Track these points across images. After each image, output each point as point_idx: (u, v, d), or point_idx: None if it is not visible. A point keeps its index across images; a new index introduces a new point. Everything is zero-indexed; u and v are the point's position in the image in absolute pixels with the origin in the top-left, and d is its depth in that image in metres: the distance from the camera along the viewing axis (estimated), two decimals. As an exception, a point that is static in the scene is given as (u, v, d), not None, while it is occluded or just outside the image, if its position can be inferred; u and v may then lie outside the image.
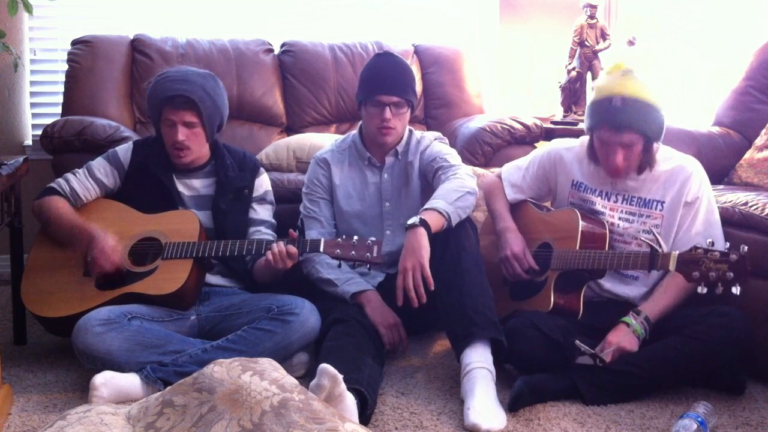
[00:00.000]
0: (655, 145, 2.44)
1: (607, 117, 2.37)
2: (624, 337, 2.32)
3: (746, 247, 2.14)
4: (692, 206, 2.46)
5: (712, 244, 2.20)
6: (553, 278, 2.48)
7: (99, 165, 2.66)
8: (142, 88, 3.33)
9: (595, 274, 2.45)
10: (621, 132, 2.36)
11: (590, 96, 2.54)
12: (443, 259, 2.40)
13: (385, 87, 2.61)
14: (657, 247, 2.27)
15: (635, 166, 2.45)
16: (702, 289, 2.17)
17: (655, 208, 2.48)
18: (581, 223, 2.46)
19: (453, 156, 2.69)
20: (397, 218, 2.72)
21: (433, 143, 2.74)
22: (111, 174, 2.65)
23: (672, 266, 2.23)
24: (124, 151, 2.68)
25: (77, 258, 2.53)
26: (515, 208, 2.70)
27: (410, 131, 2.78)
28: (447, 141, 2.82)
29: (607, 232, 2.48)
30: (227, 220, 2.62)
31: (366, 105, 2.65)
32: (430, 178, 2.69)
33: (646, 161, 2.44)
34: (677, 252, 2.24)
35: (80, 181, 2.63)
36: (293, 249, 2.40)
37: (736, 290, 2.13)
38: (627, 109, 2.35)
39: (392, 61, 2.71)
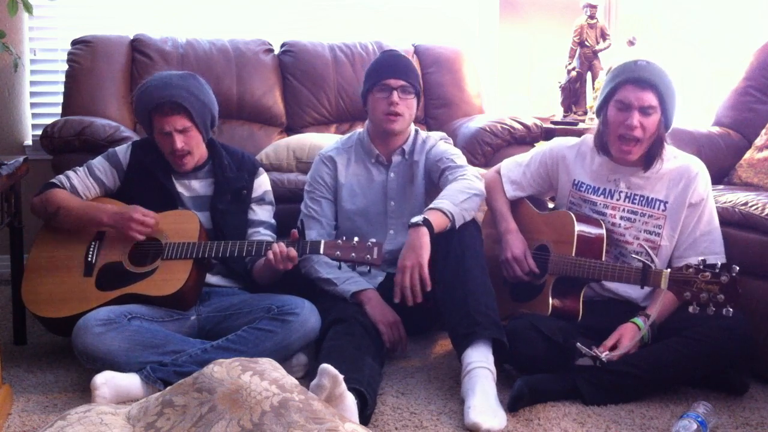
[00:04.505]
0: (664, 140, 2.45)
1: (632, 74, 2.40)
2: (633, 342, 2.32)
3: (737, 268, 2.14)
4: (697, 207, 2.46)
5: (704, 261, 2.20)
6: (551, 283, 2.48)
7: (99, 164, 2.66)
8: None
9: (593, 279, 2.45)
10: (644, 90, 2.38)
11: (600, 87, 2.57)
12: (447, 259, 2.40)
13: (391, 72, 2.64)
14: (649, 263, 2.27)
15: (647, 145, 2.43)
16: (694, 309, 2.17)
17: (658, 208, 2.48)
18: (577, 227, 2.46)
19: (459, 156, 2.69)
20: (400, 217, 2.72)
21: (439, 143, 2.75)
22: (110, 173, 2.65)
23: (663, 285, 2.24)
24: (123, 151, 2.68)
25: (77, 258, 2.53)
26: (513, 206, 2.69)
27: (416, 131, 2.79)
28: (452, 141, 2.83)
29: (604, 233, 2.48)
30: (225, 221, 2.62)
31: (373, 91, 2.66)
32: (435, 178, 2.69)
33: (656, 149, 2.43)
34: (669, 270, 2.25)
35: (80, 179, 2.63)
36: (293, 251, 2.40)
37: (727, 312, 2.13)
38: (651, 69, 2.41)
39: (397, 53, 2.80)
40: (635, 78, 2.39)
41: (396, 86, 2.62)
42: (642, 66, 2.41)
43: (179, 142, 2.52)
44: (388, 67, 2.66)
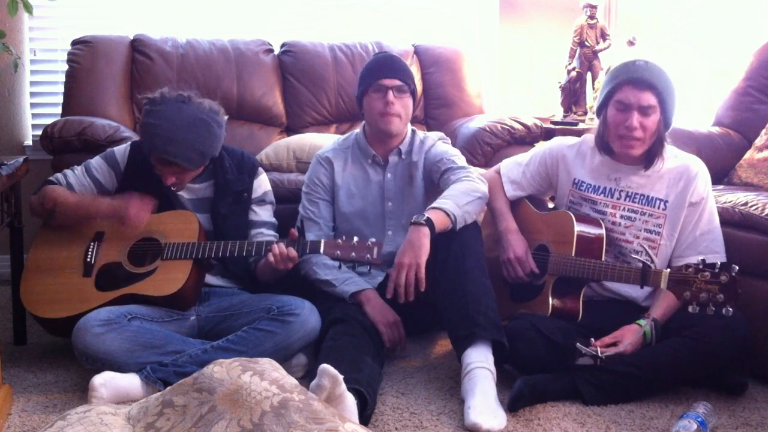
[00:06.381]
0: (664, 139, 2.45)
1: (631, 74, 2.41)
2: (634, 340, 2.32)
3: (737, 267, 2.14)
4: (697, 207, 2.46)
5: (704, 261, 2.20)
6: (551, 283, 2.48)
7: (96, 164, 2.66)
8: (139, 98, 3.32)
9: (593, 279, 2.45)
10: (643, 90, 2.38)
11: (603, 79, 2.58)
12: (446, 259, 2.40)
13: (386, 72, 2.64)
14: (649, 263, 2.27)
15: (648, 144, 2.43)
16: (693, 309, 2.17)
17: (658, 207, 2.48)
18: (576, 227, 2.46)
19: (459, 157, 2.69)
20: (399, 218, 2.72)
21: (437, 143, 2.74)
22: (108, 173, 2.65)
23: (663, 284, 2.24)
24: (121, 151, 2.67)
25: (76, 258, 2.52)
26: (513, 206, 2.69)
27: (413, 131, 2.78)
28: (450, 141, 2.82)
29: (604, 233, 2.47)
30: (226, 224, 2.61)
31: (368, 92, 2.66)
32: (435, 178, 2.68)
33: (657, 148, 2.43)
34: (668, 270, 2.25)
35: (77, 178, 2.63)
36: (293, 251, 2.40)
37: (727, 312, 2.13)
38: (650, 69, 2.41)
39: (390, 54, 2.82)
40: (634, 78, 2.39)
41: (391, 86, 2.62)
42: (641, 66, 2.42)
43: (170, 180, 2.53)
44: (382, 67, 2.66)
